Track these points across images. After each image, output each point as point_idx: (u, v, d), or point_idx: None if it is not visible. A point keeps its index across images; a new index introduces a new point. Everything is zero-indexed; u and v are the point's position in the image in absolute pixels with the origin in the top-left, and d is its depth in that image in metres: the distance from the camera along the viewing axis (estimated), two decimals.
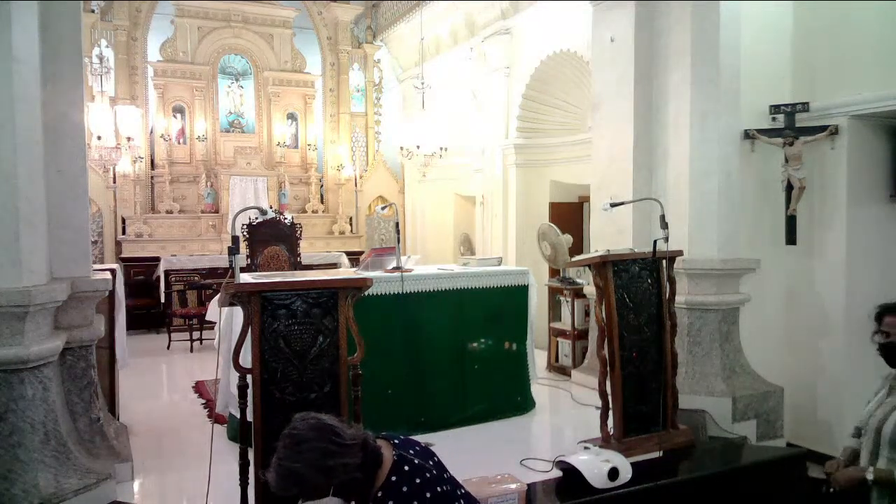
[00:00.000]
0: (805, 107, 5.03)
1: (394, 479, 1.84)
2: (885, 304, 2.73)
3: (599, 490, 3.32)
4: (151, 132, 9.54)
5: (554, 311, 6.39)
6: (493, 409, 4.63)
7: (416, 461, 1.90)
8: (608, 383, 3.92)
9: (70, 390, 3.53)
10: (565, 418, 4.98)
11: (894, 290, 4.92)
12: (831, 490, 2.44)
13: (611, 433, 3.91)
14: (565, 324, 6.06)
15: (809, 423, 5.01)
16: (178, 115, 9.65)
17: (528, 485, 3.31)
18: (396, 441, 1.97)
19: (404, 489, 1.82)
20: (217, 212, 9.56)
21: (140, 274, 8.84)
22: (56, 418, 3.18)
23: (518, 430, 4.58)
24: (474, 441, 4.27)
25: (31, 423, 3.04)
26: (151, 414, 4.97)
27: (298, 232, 7.46)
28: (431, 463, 1.96)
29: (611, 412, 3.92)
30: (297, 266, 7.20)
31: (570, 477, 3.44)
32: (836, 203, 4.99)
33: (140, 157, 9.18)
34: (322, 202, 10.52)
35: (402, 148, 8.78)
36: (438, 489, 1.87)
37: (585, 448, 3.70)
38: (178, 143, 9.66)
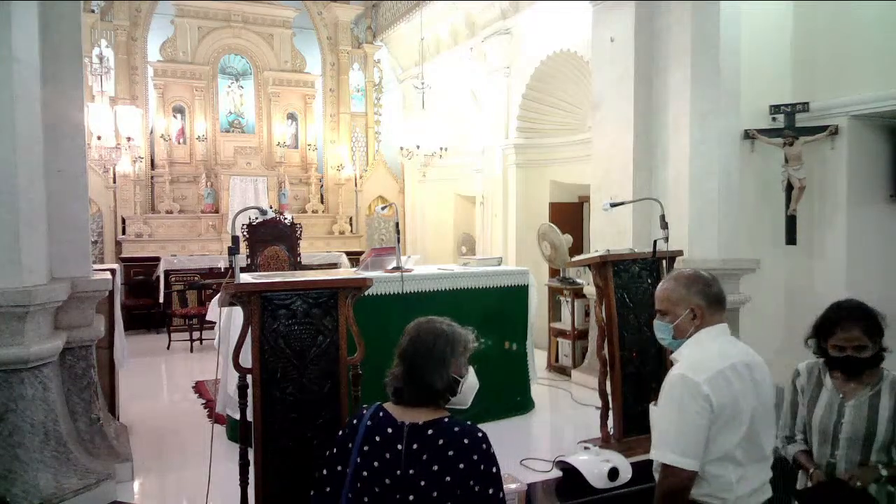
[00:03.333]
0: (805, 107, 5.03)
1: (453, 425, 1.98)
2: (828, 317, 2.59)
3: (599, 490, 3.32)
4: (151, 132, 9.53)
5: (554, 311, 6.39)
6: (492, 409, 4.61)
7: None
8: (608, 383, 3.93)
9: (70, 390, 3.53)
10: (565, 418, 4.98)
11: (894, 290, 4.93)
12: (858, 484, 2.45)
13: (611, 433, 3.91)
14: (565, 324, 6.06)
15: None
16: (178, 115, 9.65)
17: (528, 485, 3.31)
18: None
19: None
20: (217, 212, 9.56)
21: (140, 274, 8.83)
22: (56, 418, 3.18)
23: (518, 430, 4.57)
24: None
25: (31, 423, 3.04)
26: (151, 414, 4.97)
27: (298, 232, 7.46)
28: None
29: (611, 412, 3.92)
30: (297, 266, 7.20)
31: (570, 477, 3.44)
32: (836, 203, 4.99)
33: (140, 157, 9.17)
34: (322, 202, 10.52)
35: (402, 148, 8.78)
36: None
37: (585, 448, 3.69)
38: (178, 143, 9.66)
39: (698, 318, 2.17)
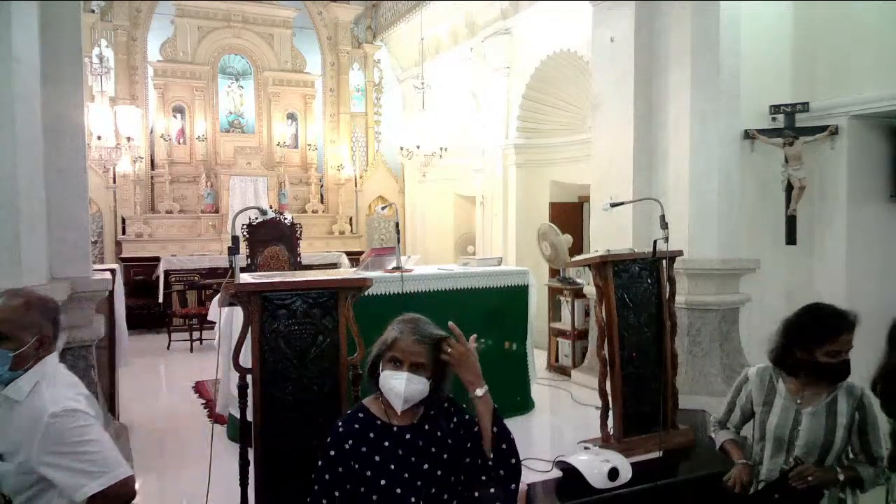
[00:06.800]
0: (805, 107, 5.03)
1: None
2: (825, 324, 2.45)
3: (599, 490, 3.32)
4: (151, 132, 9.53)
5: (554, 311, 6.39)
6: None
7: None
8: (608, 383, 3.92)
9: None
10: (565, 418, 4.98)
11: (894, 290, 4.93)
12: (806, 481, 2.40)
13: (611, 433, 3.91)
14: (565, 324, 6.06)
15: None
16: (178, 115, 9.64)
17: (528, 485, 3.31)
18: None
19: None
20: (217, 212, 9.56)
21: (140, 274, 8.83)
22: None
23: (518, 430, 4.50)
24: None
25: None
26: (151, 414, 4.97)
27: (298, 232, 7.46)
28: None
29: (611, 412, 3.92)
30: (297, 266, 7.20)
31: (570, 477, 3.44)
32: (836, 203, 4.99)
33: (140, 157, 9.17)
34: (322, 202, 10.52)
35: (402, 148, 8.78)
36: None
37: (585, 448, 3.69)
38: (178, 143, 9.66)
39: (44, 347, 1.91)
